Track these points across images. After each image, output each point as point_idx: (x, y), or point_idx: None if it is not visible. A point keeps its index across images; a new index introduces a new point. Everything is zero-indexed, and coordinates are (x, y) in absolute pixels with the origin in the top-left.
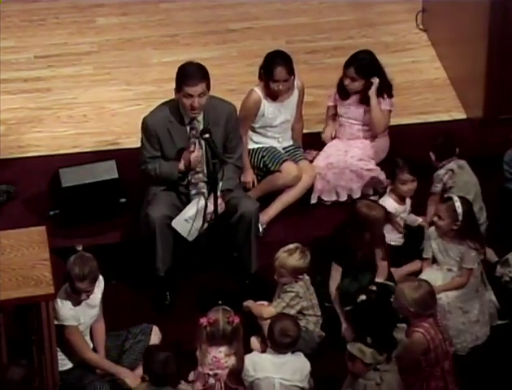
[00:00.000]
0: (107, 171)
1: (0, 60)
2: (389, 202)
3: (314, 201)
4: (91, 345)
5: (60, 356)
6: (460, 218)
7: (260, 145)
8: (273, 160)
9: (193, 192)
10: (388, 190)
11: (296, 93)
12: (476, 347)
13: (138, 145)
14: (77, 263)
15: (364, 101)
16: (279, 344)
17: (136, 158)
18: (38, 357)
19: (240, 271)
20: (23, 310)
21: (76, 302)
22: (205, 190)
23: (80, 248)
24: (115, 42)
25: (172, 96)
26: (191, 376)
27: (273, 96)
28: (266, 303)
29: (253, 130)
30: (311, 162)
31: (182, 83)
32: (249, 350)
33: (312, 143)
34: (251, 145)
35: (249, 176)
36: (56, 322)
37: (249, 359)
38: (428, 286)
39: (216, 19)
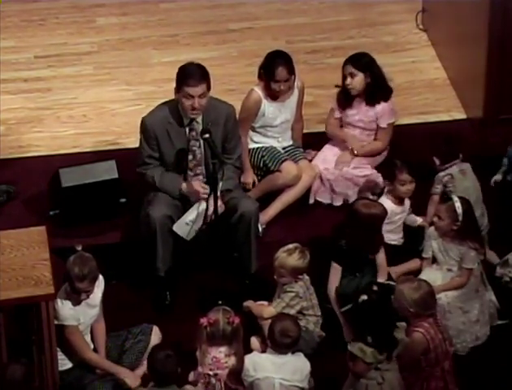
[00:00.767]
0: (107, 171)
1: (0, 60)
2: (387, 203)
3: (311, 201)
4: (91, 345)
5: (60, 356)
6: (460, 218)
7: (260, 145)
8: (273, 160)
9: None
10: (385, 191)
11: (296, 92)
12: (476, 347)
13: (138, 145)
14: (77, 263)
15: (368, 102)
16: (279, 344)
17: (136, 158)
18: (38, 357)
19: (240, 271)
20: (23, 310)
21: (76, 302)
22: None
23: (79, 248)
24: (115, 42)
25: (172, 96)
26: (191, 376)
27: (273, 96)
28: (266, 303)
29: (253, 130)
30: (310, 161)
31: (182, 83)
32: (249, 350)
33: (312, 143)
34: (251, 145)
35: (250, 177)
36: (56, 322)
37: (249, 359)
38: (428, 286)
39: (216, 19)
